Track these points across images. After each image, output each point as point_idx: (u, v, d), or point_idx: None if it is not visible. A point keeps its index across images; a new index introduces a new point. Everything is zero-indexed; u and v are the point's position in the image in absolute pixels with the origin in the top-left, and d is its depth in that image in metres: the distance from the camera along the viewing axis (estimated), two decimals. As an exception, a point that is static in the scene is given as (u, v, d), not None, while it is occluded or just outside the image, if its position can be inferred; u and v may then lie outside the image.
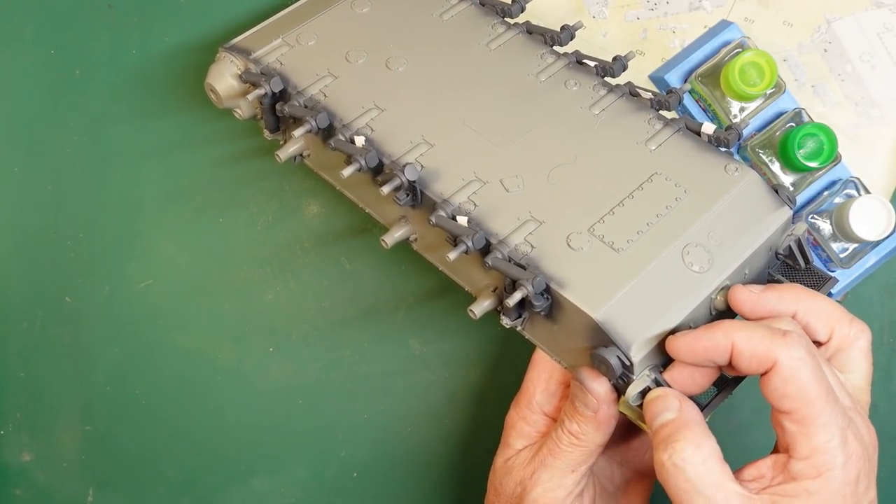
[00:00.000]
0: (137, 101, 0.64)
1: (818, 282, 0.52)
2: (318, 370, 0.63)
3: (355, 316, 0.63)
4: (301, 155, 0.56)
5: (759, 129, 0.60)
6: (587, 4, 0.64)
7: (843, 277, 0.61)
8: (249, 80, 0.56)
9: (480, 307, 0.50)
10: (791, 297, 0.47)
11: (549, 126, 0.53)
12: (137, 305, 0.63)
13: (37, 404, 0.63)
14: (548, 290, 0.47)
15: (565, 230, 0.49)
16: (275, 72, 0.55)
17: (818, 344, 0.48)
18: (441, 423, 0.63)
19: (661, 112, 0.54)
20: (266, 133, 0.58)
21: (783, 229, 0.51)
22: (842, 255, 0.59)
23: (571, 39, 0.57)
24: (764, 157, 0.60)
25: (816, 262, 0.60)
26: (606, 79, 0.55)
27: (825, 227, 0.59)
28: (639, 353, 0.46)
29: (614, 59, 0.55)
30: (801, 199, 0.60)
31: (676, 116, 0.54)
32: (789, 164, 0.59)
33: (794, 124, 0.60)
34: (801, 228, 0.51)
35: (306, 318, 0.63)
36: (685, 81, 0.61)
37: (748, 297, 0.47)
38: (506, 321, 0.50)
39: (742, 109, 0.60)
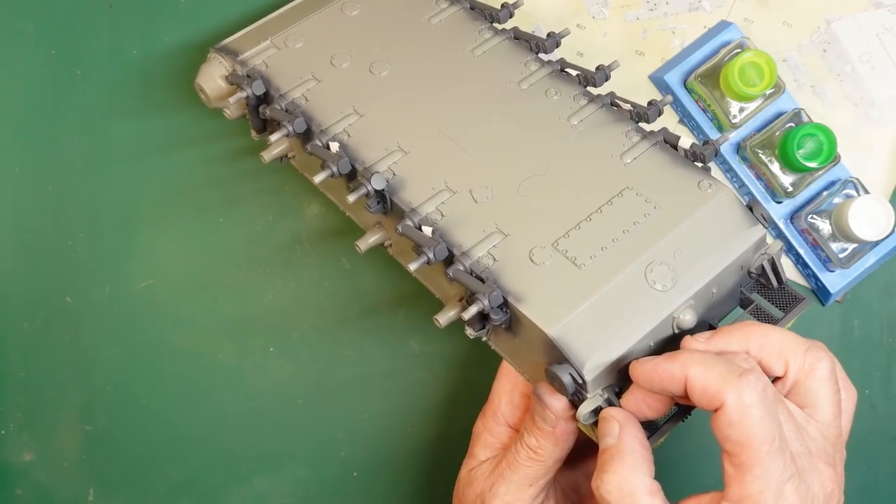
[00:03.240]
0: (138, 100, 0.64)
1: (791, 302, 0.50)
2: (318, 370, 0.63)
3: (355, 316, 0.63)
4: (286, 156, 0.57)
5: (759, 130, 0.60)
6: (587, 5, 0.64)
7: (843, 277, 0.61)
8: (234, 82, 0.56)
9: (446, 316, 0.49)
10: (740, 337, 0.46)
11: (524, 136, 0.52)
12: (137, 305, 0.63)
13: (37, 404, 0.63)
14: (506, 303, 0.47)
15: (529, 244, 0.48)
16: (259, 74, 0.55)
17: (776, 379, 0.46)
18: (441, 423, 0.63)
19: (640, 124, 0.53)
20: (253, 133, 0.58)
21: (755, 248, 0.49)
22: (841, 255, 0.59)
23: (557, 47, 0.56)
24: (763, 157, 0.60)
25: (817, 272, 0.61)
26: (589, 88, 0.54)
27: (825, 227, 0.59)
28: (592, 372, 0.45)
29: (597, 68, 0.54)
30: (800, 199, 0.61)
31: (655, 129, 0.52)
32: (789, 164, 0.59)
33: (793, 124, 0.60)
34: (775, 247, 0.49)
35: (306, 318, 0.63)
36: (685, 82, 0.61)
37: (697, 347, 0.46)
38: (470, 332, 0.50)
39: (741, 109, 0.60)
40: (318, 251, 0.63)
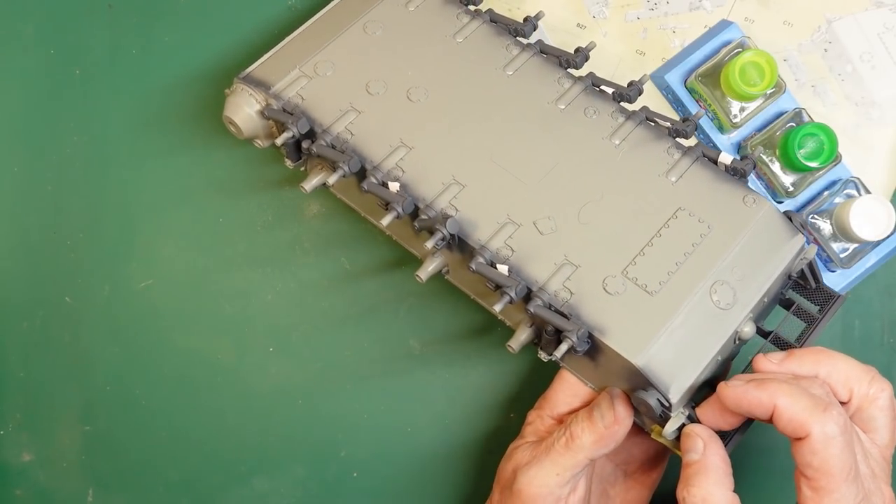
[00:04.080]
0: (137, 100, 0.64)
1: (827, 300, 0.53)
2: (318, 370, 0.63)
3: (355, 316, 0.63)
4: (325, 183, 0.56)
5: (760, 129, 0.60)
6: (587, 4, 0.64)
7: (844, 277, 0.61)
8: (273, 118, 0.54)
9: (518, 342, 0.50)
10: (810, 362, 0.49)
11: (573, 160, 0.53)
12: (137, 305, 0.63)
13: (37, 404, 0.63)
14: (589, 336, 0.48)
15: (600, 274, 0.49)
16: (298, 109, 0.54)
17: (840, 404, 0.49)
18: (441, 423, 0.63)
19: (678, 140, 0.54)
20: (288, 163, 0.57)
21: (797, 255, 0.51)
22: (842, 255, 0.59)
23: (586, 61, 0.56)
24: (764, 156, 0.60)
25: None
26: (622, 104, 0.55)
27: (825, 227, 0.59)
28: (677, 394, 0.47)
29: (629, 84, 0.55)
30: (801, 198, 0.61)
31: (692, 144, 0.54)
32: (789, 163, 0.59)
33: (794, 124, 0.60)
34: (811, 252, 0.52)
35: (306, 318, 0.63)
36: (685, 81, 0.61)
37: (770, 368, 0.49)
38: (543, 355, 0.51)
39: (742, 109, 0.60)
40: (317, 251, 0.63)
